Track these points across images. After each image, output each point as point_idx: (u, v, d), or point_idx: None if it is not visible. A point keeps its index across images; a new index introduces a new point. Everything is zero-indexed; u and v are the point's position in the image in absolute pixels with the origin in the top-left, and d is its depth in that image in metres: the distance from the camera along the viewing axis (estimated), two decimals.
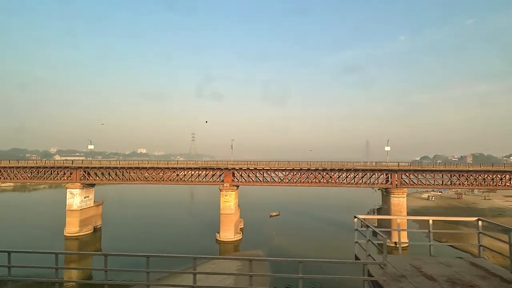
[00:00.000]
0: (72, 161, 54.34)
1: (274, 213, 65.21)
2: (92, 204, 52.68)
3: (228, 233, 47.45)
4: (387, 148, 56.93)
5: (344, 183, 49.79)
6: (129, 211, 69.86)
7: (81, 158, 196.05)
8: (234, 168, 50.10)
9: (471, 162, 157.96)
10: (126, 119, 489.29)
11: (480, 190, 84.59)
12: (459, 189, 73.08)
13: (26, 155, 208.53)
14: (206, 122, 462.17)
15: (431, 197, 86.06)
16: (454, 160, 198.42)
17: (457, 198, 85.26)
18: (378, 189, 53.04)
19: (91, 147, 60.22)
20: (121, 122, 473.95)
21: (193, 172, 51.39)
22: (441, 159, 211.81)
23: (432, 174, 48.36)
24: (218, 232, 47.98)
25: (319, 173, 49.34)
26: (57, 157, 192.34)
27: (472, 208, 72.15)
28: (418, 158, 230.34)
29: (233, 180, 49.71)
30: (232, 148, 58.35)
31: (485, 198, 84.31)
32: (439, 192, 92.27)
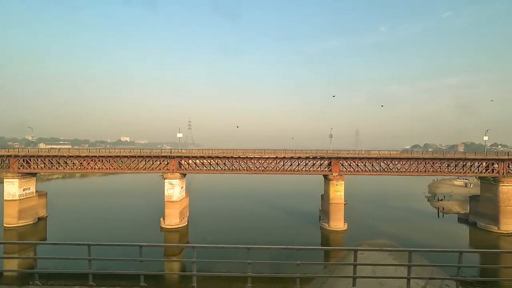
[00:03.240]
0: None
1: None
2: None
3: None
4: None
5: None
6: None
7: (66, 146, 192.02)
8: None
9: (463, 150, 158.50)
10: (113, 107, 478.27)
11: None
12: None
13: (8, 143, 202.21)
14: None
15: (469, 184, 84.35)
16: (443, 149, 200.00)
17: None
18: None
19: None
20: (107, 110, 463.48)
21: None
22: (431, 147, 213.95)
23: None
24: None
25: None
26: (41, 145, 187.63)
27: None
28: (408, 147, 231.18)
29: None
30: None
31: None
32: (465, 179, 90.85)
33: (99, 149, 52.22)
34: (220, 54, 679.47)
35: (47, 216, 53.27)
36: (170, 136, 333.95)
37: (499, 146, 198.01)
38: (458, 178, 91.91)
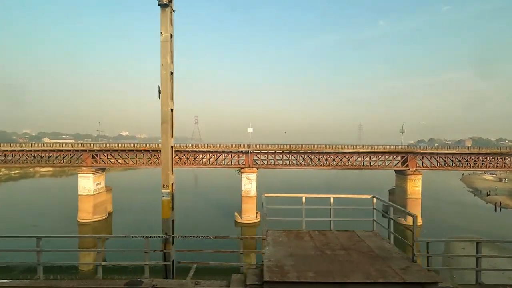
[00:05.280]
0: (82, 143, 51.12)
1: None
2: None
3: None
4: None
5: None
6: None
7: (70, 140, 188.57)
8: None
9: (470, 145, 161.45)
10: (113, 101, 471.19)
11: None
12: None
13: (18, 138, 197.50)
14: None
15: (504, 179, 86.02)
16: (449, 143, 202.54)
17: None
18: None
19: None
20: (106, 104, 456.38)
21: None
22: (437, 142, 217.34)
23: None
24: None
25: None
26: (46, 139, 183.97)
27: None
28: (414, 142, 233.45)
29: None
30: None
31: None
32: (493, 174, 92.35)
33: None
34: (219, 46, 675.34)
35: (112, 212, 52.98)
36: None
37: (507, 141, 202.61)
38: (485, 173, 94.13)
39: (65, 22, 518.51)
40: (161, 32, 6.83)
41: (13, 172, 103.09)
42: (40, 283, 7.19)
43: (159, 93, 6.95)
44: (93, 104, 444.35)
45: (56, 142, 61.23)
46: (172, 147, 7.61)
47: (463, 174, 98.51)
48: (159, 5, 6.69)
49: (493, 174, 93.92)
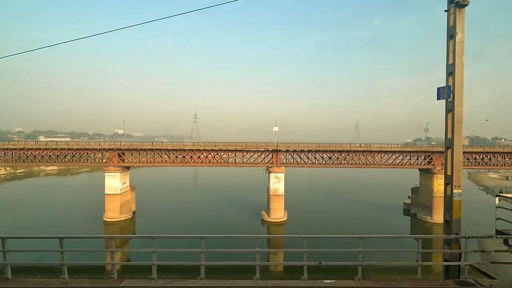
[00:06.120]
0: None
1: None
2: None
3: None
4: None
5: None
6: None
7: (66, 139, 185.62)
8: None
9: (467, 144, 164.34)
10: (107, 99, 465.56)
11: None
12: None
13: (13, 137, 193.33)
14: None
15: (510, 177, 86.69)
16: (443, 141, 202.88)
17: None
18: None
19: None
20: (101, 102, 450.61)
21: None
22: (434, 141, 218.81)
23: None
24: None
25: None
26: (41, 138, 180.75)
27: None
28: (410, 140, 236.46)
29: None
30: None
31: None
32: (497, 172, 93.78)
33: (190, 142, 50.95)
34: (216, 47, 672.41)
35: (135, 211, 52.45)
36: (166, 129, 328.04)
37: (503, 140, 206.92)
38: (489, 171, 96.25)
39: (64, 20, 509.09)
40: (456, 33, 6.83)
41: (18, 171, 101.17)
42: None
43: (449, 94, 6.98)
44: (87, 102, 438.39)
45: (72, 141, 60.07)
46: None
47: (469, 172, 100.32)
48: (455, 5, 6.71)
49: (497, 172, 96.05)
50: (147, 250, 8.34)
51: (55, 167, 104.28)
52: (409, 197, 61.02)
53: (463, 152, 47.64)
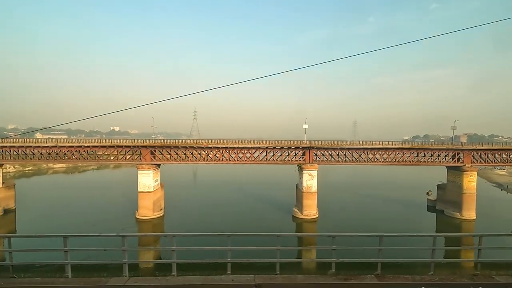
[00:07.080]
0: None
1: None
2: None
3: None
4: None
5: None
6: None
7: (62, 136, 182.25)
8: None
9: (466, 141, 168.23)
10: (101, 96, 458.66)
11: None
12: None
13: (9, 134, 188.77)
14: None
15: None
16: (444, 139, 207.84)
17: None
18: None
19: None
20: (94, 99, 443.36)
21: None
22: (432, 138, 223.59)
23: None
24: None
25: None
26: (38, 135, 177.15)
27: None
28: (408, 138, 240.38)
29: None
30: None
31: None
32: (503, 169, 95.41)
33: (218, 140, 50.43)
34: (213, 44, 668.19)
35: (164, 208, 52.07)
36: (163, 126, 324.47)
37: (500, 137, 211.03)
38: (495, 168, 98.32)
39: (60, 17, 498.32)
40: None
41: (26, 168, 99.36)
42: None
43: None
44: (81, 100, 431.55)
45: (95, 138, 59.18)
46: None
47: (479, 168, 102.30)
48: None
49: (503, 169, 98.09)
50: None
51: (63, 165, 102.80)
52: (427, 193, 62.11)
53: (476, 150, 49.15)
